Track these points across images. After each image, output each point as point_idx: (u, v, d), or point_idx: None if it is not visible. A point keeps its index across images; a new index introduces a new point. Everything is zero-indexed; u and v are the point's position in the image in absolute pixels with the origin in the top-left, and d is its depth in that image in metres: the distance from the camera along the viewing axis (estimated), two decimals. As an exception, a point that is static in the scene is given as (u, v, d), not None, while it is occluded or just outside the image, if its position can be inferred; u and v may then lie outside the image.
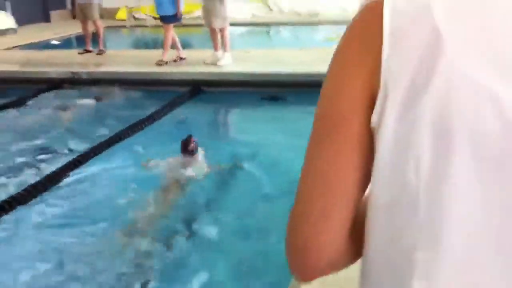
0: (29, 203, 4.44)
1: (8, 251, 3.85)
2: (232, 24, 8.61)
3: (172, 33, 8.65)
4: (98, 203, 4.50)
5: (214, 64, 8.31)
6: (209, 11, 8.17)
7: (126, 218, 4.17)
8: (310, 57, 8.46)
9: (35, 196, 4.53)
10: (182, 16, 8.74)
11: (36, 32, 13.80)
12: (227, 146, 5.82)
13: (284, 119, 6.78)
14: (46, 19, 16.23)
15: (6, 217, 4.23)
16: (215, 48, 8.46)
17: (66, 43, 12.68)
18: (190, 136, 4.98)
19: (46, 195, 4.60)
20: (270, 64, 8.30)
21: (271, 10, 16.57)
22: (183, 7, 8.66)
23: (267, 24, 15.59)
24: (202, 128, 6.63)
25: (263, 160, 5.29)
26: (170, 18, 8.48)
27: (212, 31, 8.35)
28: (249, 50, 9.63)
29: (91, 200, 4.57)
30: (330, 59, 0.79)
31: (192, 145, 4.92)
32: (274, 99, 7.49)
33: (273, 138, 5.91)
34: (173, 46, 8.78)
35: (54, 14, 16.19)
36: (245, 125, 6.99)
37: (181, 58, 8.79)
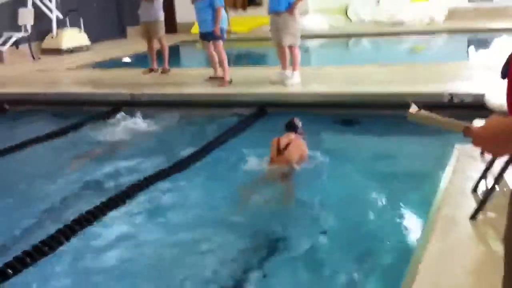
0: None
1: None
2: (307, 37, 7.80)
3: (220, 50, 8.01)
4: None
5: (281, 83, 7.57)
6: (278, 26, 7.45)
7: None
8: (390, 74, 7.55)
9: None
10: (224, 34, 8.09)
11: (109, 49, 13.70)
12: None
13: (358, 145, 5.96)
14: (123, 35, 16.21)
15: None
16: (283, 67, 7.72)
17: (138, 60, 12.44)
18: (293, 118, 5.30)
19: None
20: (344, 83, 7.48)
21: (350, 21, 15.63)
22: (226, 24, 8.09)
23: (346, 36, 14.70)
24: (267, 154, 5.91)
25: (330, 195, 4.52)
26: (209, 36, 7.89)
27: (281, 49, 7.61)
28: (322, 67, 8.82)
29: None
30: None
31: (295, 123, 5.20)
32: (347, 123, 6.66)
33: (344, 167, 5.11)
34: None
35: (130, 29, 16.13)
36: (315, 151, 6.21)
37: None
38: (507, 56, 1.72)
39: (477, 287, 2.67)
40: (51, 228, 3.98)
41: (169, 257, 3.69)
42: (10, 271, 3.45)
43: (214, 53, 8.09)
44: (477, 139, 1.46)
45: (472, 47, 13.07)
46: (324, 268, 3.46)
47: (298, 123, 5.22)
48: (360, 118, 6.64)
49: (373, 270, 3.32)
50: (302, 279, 3.35)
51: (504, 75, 1.69)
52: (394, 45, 13.53)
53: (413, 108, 1.69)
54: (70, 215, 4.20)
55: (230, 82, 7.96)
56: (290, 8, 7.29)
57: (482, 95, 5.54)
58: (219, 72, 8.19)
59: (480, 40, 13.12)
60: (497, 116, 1.46)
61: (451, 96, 6.36)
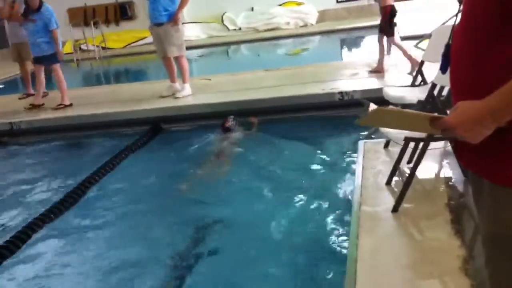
0: None
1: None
2: (186, 47, 7.66)
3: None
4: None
5: (172, 96, 7.39)
6: (161, 38, 7.25)
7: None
8: (278, 79, 7.66)
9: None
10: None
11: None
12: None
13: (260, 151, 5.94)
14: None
15: None
16: (172, 80, 7.54)
17: (9, 86, 11.59)
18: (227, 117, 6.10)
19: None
20: (235, 91, 7.45)
21: (227, 29, 15.75)
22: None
23: (224, 43, 14.78)
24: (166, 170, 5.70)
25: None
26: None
27: (167, 61, 7.42)
28: (210, 77, 8.75)
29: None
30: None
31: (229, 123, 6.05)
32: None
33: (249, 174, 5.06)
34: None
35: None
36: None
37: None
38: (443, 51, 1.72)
39: (415, 279, 2.72)
40: None
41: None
42: None
43: (43, 78, 7.87)
44: (451, 127, 1.43)
45: (346, 46, 13.72)
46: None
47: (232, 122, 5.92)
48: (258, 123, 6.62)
49: (307, 272, 3.29)
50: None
51: (445, 68, 1.69)
52: (273, 50, 13.83)
53: (371, 107, 1.65)
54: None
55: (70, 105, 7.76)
56: (173, 19, 7.13)
57: (373, 90, 5.78)
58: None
59: (352, 38, 13.80)
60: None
61: (341, 94, 6.56)
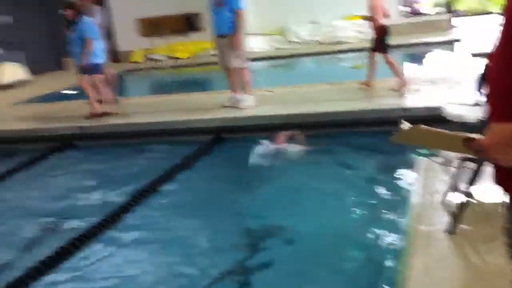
0: None
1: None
2: (252, 59, 7.83)
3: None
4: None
5: (235, 107, 7.56)
6: (224, 49, 7.46)
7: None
8: (341, 92, 7.67)
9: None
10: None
11: (50, 82, 13.33)
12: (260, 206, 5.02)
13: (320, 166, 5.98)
14: (60, 67, 15.83)
15: None
16: (234, 90, 7.72)
17: (82, 93, 12.14)
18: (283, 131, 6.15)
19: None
20: (297, 103, 7.53)
21: (290, 41, 15.89)
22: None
23: (287, 56, 14.92)
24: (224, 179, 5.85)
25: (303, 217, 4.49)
26: None
27: (229, 72, 7.61)
28: (272, 89, 8.88)
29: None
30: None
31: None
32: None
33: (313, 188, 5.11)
34: None
35: (66, 61, 15.79)
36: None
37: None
38: (482, 72, 1.77)
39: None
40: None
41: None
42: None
43: (90, 87, 8.10)
44: (484, 148, 1.47)
45: (409, 61, 13.54)
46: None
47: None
48: (319, 137, 6.66)
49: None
50: None
51: (479, 89, 1.74)
52: (336, 64, 13.85)
53: (405, 125, 1.69)
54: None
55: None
56: (235, 31, 7.31)
57: (436, 108, 5.73)
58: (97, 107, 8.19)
59: (416, 53, 13.61)
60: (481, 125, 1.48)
61: (404, 110, 6.52)
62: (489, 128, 1.48)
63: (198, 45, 15.82)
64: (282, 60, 14.74)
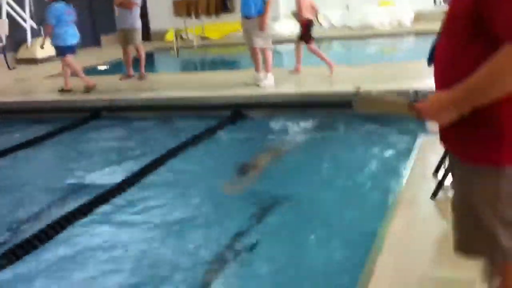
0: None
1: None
2: (280, 41, 8.21)
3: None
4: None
5: (255, 85, 7.87)
6: (249, 30, 7.77)
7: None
8: (359, 74, 7.88)
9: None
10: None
11: (85, 57, 13.79)
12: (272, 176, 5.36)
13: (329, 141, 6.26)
14: (97, 43, 16.33)
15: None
16: (257, 69, 8.02)
17: (114, 68, 12.60)
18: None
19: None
20: (316, 83, 7.78)
21: (321, 25, 15.99)
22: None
23: (318, 40, 15.05)
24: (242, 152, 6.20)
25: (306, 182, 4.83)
26: None
27: (253, 51, 7.92)
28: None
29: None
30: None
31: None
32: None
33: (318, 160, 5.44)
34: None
35: (104, 38, 16.28)
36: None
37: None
38: (432, 44, 2.04)
39: (438, 259, 2.95)
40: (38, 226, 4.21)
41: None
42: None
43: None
44: (424, 112, 1.76)
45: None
46: (287, 240, 3.80)
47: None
48: (331, 116, 6.92)
49: (338, 247, 3.60)
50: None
51: (430, 61, 2.02)
52: (364, 48, 13.94)
53: (360, 95, 1.93)
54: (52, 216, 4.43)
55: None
56: (261, 15, 7.61)
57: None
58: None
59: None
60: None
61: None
62: (428, 96, 1.78)
63: (230, 26, 16.07)
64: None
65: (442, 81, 1.79)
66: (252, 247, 3.76)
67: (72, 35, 8.70)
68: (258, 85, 7.83)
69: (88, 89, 8.62)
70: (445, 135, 1.84)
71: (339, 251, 3.52)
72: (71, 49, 8.75)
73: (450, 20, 1.77)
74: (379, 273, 2.73)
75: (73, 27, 8.73)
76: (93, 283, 3.50)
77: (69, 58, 8.75)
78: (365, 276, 2.79)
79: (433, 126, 3.70)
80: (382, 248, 3.02)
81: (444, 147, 1.97)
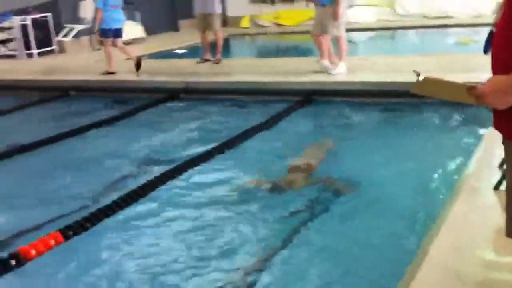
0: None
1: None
2: (354, 29, 8.22)
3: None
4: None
5: (327, 72, 8.00)
6: (322, 18, 7.90)
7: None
8: (430, 64, 7.83)
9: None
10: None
11: (164, 41, 14.37)
12: (338, 160, 5.53)
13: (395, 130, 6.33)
14: (175, 28, 16.87)
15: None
16: (327, 57, 8.14)
17: (191, 52, 13.04)
18: None
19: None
20: (387, 73, 7.80)
21: (397, 14, 15.81)
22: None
23: (392, 28, 14.92)
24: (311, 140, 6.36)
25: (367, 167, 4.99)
26: None
27: (319, 40, 8.05)
28: (367, 57, 9.18)
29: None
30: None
31: None
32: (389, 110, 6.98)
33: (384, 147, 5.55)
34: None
35: (182, 23, 16.80)
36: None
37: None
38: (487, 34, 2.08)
39: (494, 245, 3.04)
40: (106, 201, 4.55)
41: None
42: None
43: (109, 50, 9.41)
44: (483, 95, 1.79)
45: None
46: (350, 222, 3.95)
47: None
48: (401, 106, 6.97)
49: (399, 228, 3.75)
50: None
51: (486, 49, 2.04)
52: (440, 38, 13.68)
53: (420, 77, 1.93)
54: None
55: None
56: (335, 3, 7.71)
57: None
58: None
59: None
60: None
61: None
62: (488, 79, 1.84)
63: (305, 14, 16.16)
64: (385, 31, 14.79)
65: (499, 64, 1.81)
66: (314, 227, 3.95)
67: (114, 20, 9.19)
68: (329, 73, 7.95)
69: (106, 72, 9.39)
70: (499, 119, 1.87)
71: (399, 232, 3.67)
72: (112, 33, 9.22)
73: (509, 1, 1.76)
74: (433, 252, 2.87)
75: (117, 12, 9.20)
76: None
77: (119, 41, 9.34)
78: (420, 255, 2.94)
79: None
80: (439, 230, 3.15)
81: (497, 130, 1.96)
